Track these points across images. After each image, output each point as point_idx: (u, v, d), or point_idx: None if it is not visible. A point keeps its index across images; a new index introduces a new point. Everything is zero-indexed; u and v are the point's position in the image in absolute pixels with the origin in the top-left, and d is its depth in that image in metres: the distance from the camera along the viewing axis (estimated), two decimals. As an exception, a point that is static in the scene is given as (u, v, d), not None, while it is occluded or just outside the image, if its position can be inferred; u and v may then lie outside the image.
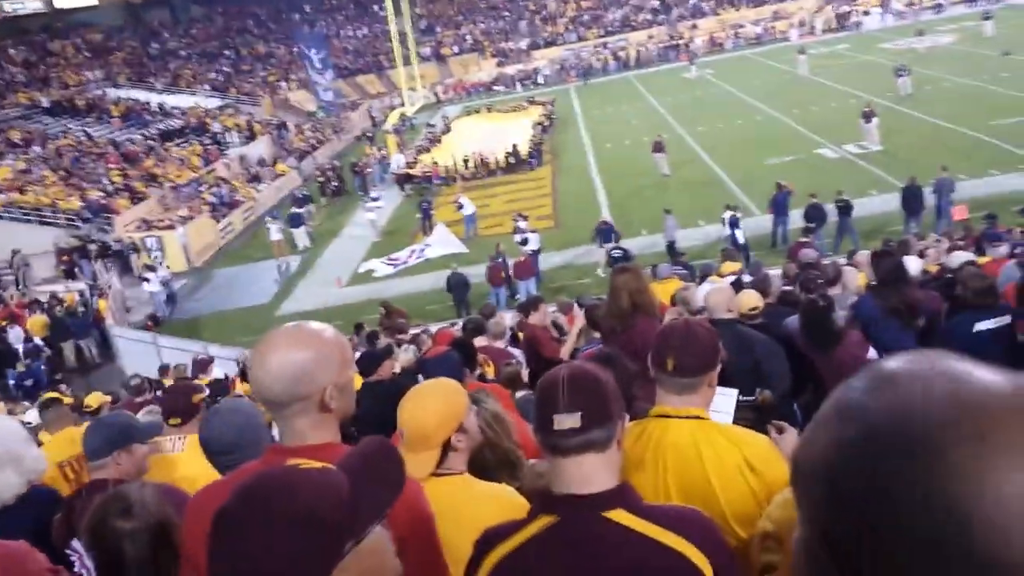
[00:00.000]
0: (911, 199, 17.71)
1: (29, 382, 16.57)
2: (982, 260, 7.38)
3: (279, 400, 1.86)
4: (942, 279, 7.00)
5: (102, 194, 29.32)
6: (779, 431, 2.65)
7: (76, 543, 2.45)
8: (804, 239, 14.70)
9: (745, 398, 2.89)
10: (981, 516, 0.65)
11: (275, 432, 3.31)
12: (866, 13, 51.94)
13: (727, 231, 18.51)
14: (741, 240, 18.04)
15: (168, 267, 24.57)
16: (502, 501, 2.39)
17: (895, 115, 27.21)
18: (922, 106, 28.34)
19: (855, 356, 4.44)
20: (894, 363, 0.78)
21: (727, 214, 18.68)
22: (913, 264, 7.55)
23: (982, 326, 4.79)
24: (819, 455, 0.76)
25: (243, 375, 11.01)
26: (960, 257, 7.50)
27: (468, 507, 2.31)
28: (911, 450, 0.69)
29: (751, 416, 2.81)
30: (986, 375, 0.73)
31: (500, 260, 18.99)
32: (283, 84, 53.84)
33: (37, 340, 18.85)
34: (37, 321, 19.74)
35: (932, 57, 37.14)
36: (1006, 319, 4.90)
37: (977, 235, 11.07)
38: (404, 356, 5.82)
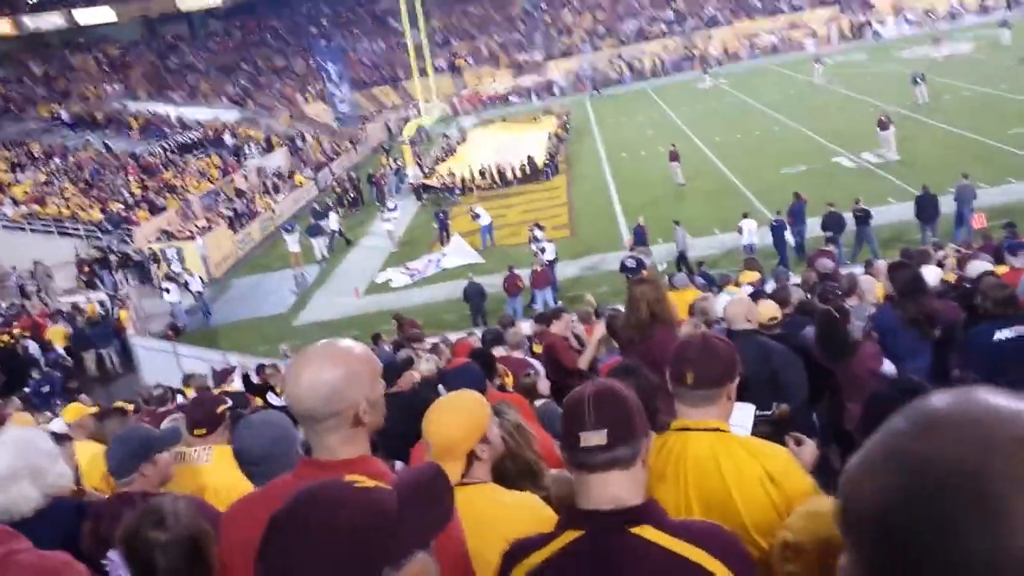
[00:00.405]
0: (925, 207, 17.64)
1: (45, 388, 16.64)
2: (1001, 269, 7.36)
3: (314, 415, 1.92)
4: (961, 289, 6.99)
5: (122, 206, 29.62)
6: (797, 443, 2.68)
7: (113, 553, 2.50)
8: (825, 248, 14.71)
9: (762, 412, 2.92)
10: None
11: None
12: (880, 23, 51.81)
13: (745, 239, 18.55)
14: (792, 242, 18.26)
15: (202, 279, 24.29)
16: (527, 510, 2.42)
17: (913, 123, 27.13)
18: (940, 114, 28.25)
19: (869, 368, 4.45)
20: (937, 403, 0.79)
21: (745, 222, 18.73)
22: (932, 274, 7.55)
23: (1002, 335, 4.78)
24: (869, 499, 0.77)
25: (246, 384, 11.14)
26: (979, 267, 7.48)
27: (494, 516, 2.34)
28: (967, 501, 0.71)
29: (768, 430, 2.84)
30: None
31: (544, 267, 19.15)
32: (300, 97, 54.20)
33: (59, 349, 19.05)
34: (57, 332, 19.95)
35: (949, 65, 36.98)
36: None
37: (996, 244, 11.03)
38: (425, 366, 5.87)
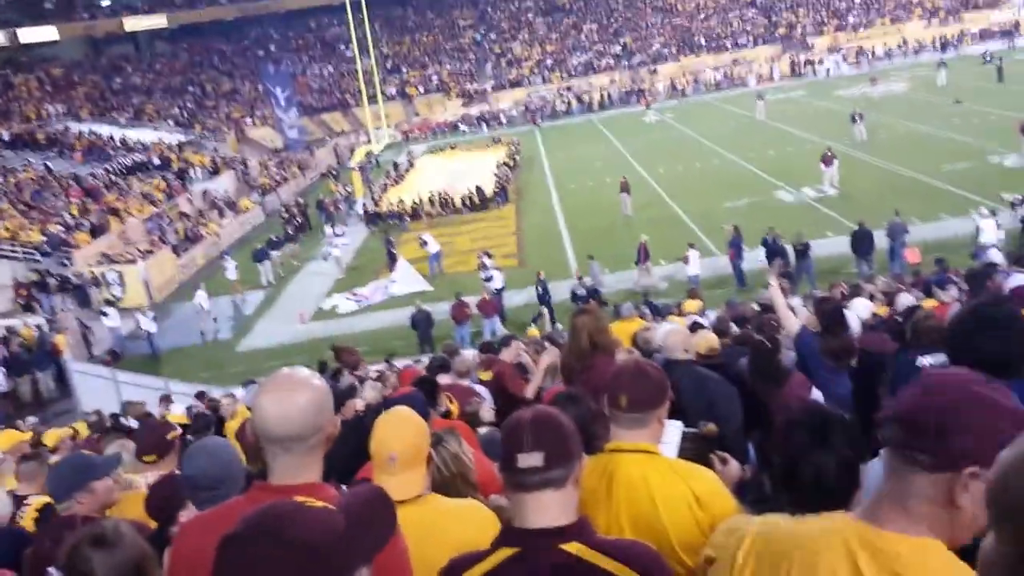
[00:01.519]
0: (861, 242, 18.22)
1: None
2: (929, 303, 7.66)
3: (301, 435, 1.97)
4: (891, 321, 7.25)
5: (62, 228, 28.99)
6: (723, 462, 2.82)
7: (53, 570, 2.52)
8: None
9: (689, 429, 3.07)
10: None
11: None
12: (820, 62, 53.44)
13: (690, 270, 18.93)
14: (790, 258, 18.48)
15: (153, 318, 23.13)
16: (469, 516, 2.55)
17: (851, 160, 27.89)
18: (877, 151, 29.15)
19: (799, 396, 4.63)
20: None
21: (690, 252, 19.16)
22: (863, 307, 7.80)
23: (925, 361, 5.00)
24: (1015, 494, 1.08)
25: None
26: (907, 300, 7.78)
27: (441, 523, 2.46)
28: None
29: (695, 447, 2.98)
30: None
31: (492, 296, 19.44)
32: (248, 120, 53.82)
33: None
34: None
35: (886, 103, 38.25)
36: (943, 357, 5.11)
37: (926, 279, 11.45)
38: (370, 393, 5.90)
